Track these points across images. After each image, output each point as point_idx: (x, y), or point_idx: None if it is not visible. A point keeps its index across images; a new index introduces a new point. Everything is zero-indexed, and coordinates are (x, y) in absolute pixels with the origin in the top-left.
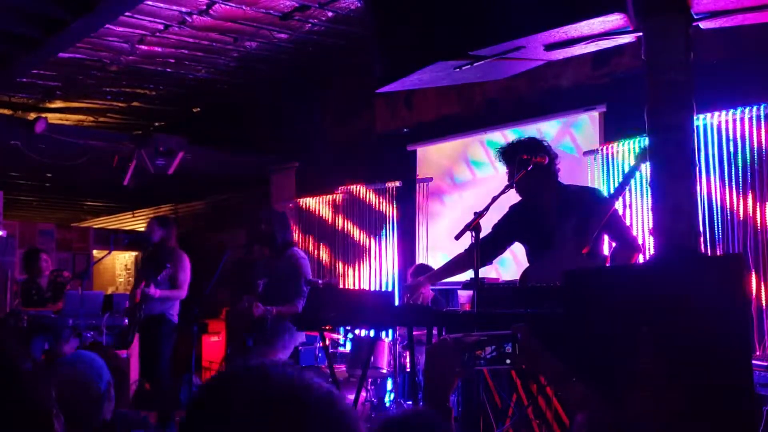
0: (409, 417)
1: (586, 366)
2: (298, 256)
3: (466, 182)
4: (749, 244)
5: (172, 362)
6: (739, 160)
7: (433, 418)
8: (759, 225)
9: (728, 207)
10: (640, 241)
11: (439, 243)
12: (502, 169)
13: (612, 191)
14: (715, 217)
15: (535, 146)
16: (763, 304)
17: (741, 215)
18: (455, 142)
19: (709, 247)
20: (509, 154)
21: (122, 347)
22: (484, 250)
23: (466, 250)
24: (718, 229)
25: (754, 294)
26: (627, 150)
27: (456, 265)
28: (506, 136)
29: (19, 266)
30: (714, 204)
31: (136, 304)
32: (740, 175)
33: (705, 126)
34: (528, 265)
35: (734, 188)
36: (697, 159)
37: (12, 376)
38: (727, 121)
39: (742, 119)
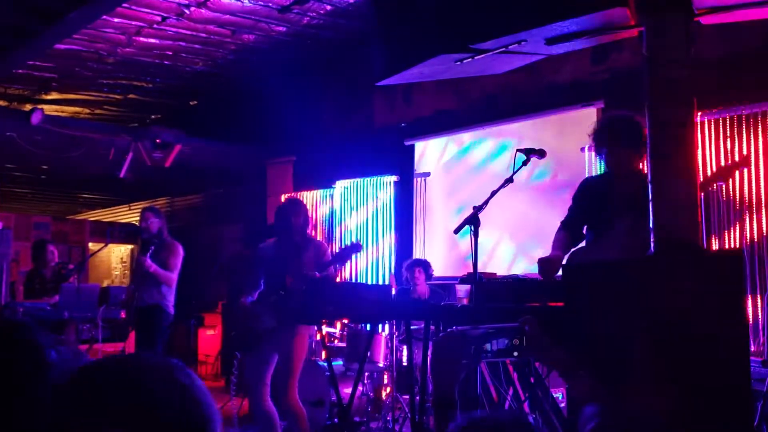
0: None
1: (589, 359)
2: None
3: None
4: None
5: (167, 355)
6: None
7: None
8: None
9: None
10: None
11: (435, 237)
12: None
13: None
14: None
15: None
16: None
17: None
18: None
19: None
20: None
21: (118, 340)
22: (575, 230)
23: (559, 230)
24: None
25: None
26: None
27: (566, 246)
28: (503, 131)
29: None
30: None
31: (132, 293)
32: None
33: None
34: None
35: None
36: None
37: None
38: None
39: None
